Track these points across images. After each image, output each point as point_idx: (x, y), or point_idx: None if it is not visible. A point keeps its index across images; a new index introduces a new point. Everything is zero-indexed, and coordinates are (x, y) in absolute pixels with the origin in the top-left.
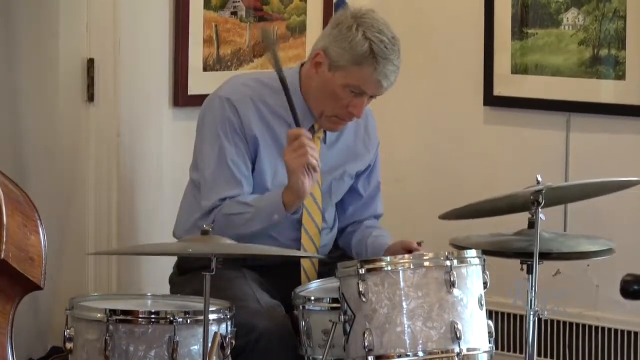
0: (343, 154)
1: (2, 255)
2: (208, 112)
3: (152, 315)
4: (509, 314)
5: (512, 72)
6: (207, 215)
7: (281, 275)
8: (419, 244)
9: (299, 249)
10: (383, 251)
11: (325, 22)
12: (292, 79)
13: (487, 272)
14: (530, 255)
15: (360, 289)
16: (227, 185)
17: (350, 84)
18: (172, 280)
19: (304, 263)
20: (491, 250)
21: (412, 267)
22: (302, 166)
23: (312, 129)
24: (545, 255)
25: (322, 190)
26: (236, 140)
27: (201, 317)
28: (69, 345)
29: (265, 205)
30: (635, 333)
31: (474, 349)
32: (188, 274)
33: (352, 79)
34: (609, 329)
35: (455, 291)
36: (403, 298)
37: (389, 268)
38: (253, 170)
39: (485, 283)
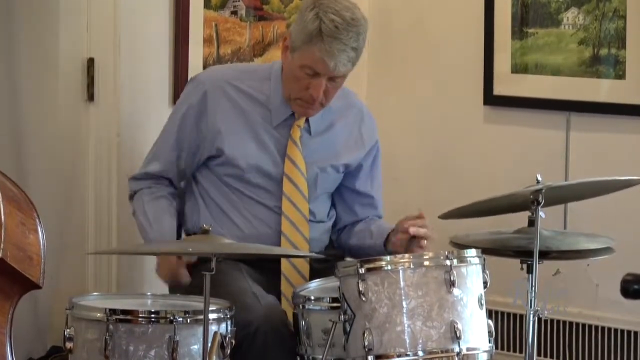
0: (329, 146)
1: (1, 255)
2: (183, 93)
3: (152, 315)
4: (509, 314)
5: (512, 72)
6: (137, 180)
7: (277, 270)
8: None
9: (279, 238)
10: (387, 232)
11: None
12: (278, 68)
13: (487, 272)
14: (529, 253)
15: (360, 289)
16: (157, 163)
17: (304, 64)
18: None
19: (294, 259)
20: (491, 248)
21: (412, 266)
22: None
23: (292, 117)
24: (544, 254)
25: (307, 181)
26: (184, 127)
27: (201, 317)
28: (69, 344)
29: (158, 236)
30: (635, 333)
31: (473, 349)
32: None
33: (305, 59)
34: (609, 329)
35: (455, 291)
36: (403, 297)
37: (389, 267)
38: (219, 156)
39: (485, 282)
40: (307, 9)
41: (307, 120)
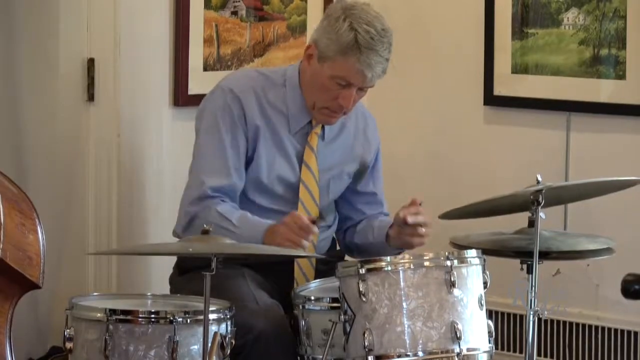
0: (341, 153)
1: (0, 255)
2: (209, 102)
3: (152, 315)
4: (509, 314)
5: (513, 72)
6: (198, 202)
7: (281, 273)
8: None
9: None
10: (386, 228)
11: None
12: (292, 74)
13: (487, 272)
14: (530, 254)
15: (361, 289)
16: (219, 175)
17: (337, 75)
18: (172, 281)
19: (301, 260)
20: (491, 249)
21: (412, 267)
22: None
23: (309, 125)
24: (545, 255)
25: (320, 187)
26: (235, 132)
27: (201, 317)
28: (69, 345)
29: (247, 235)
30: (635, 333)
31: (474, 349)
32: (188, 274)
33: (338, 70)
34: (609, 329)
35: (456, 291)
36: (403, 298)
37: (389, 268)
38: (252, 160)
39: (485, 283)
40: (339, 18)
41: (322, 127)
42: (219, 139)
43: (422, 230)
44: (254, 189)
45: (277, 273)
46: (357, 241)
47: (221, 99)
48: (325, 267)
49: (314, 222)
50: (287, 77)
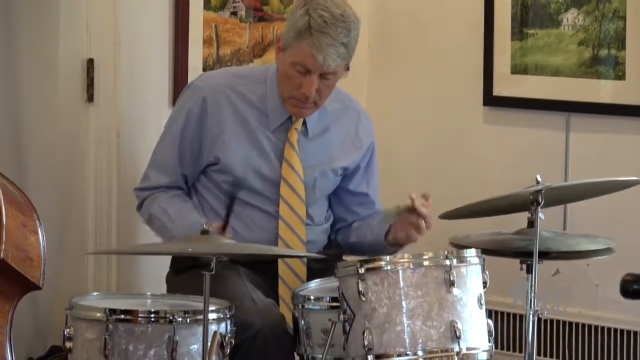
0: (328, 149)
1: (2, 255)
2: (180, 97)
3: (152, 315)
4: (508, 314)
5: (512, 72)
6: (144, 191)
7: (275, 271)
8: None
9: (276, 241)
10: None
11: None
12: (273, 72)
13: (487, 272)
14: (529, 254)
15: (360, 289)
16: (164, 173)
17: (295, 61)
18: (168, 280)
19: (290, 260)
20: (491, 250)
21: (411, 266)
22: None
23: (289, 120)
24: (544, 255)
25: (305, 184)
26: (187, 130)
27: (201, 317)
28: (68, 344)
29: (182, 230)
30: (635, 333)
31: (473, 348)
32: (184, 272)
33: (294, 56)
34: (609, 329)
35: (455, 290)
36: (403, 297)
37: (389, 267)
38: (218, 163)
39: (484, 282)
40: (298, 7)
41: (304, 124)
42: (171, 138)
43: (422, 223)
44: (232, 186)
45: (272, 272)
46: (352, 240)
47: (186, 99)
48: (319, 266)
49: (224, 227)
50: (268, 75)
